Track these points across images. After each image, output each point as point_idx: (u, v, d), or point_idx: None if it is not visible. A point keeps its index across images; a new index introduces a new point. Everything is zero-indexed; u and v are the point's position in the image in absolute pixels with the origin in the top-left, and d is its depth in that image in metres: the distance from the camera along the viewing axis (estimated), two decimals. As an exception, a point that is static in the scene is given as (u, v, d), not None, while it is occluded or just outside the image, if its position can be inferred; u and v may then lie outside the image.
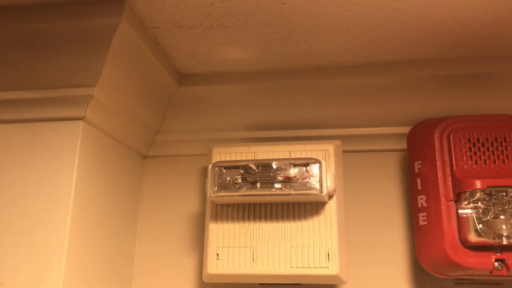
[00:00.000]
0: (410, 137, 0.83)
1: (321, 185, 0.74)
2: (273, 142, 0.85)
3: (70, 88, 0.76)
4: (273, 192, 0.75)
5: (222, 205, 0.83)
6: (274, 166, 0.76)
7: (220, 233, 0.81)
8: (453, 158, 0.75)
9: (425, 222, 0.76)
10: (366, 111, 0.90)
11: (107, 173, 0.85)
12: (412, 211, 0.80)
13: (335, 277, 0.76)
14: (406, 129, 0.86)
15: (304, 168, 0.75)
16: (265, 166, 0.76)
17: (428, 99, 0.88)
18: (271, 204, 0.81)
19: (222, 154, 0.85)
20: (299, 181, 0.75)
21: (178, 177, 0.97)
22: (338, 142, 0.83)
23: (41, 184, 0.74)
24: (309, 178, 0.74)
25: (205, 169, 0.97)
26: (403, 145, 0.90)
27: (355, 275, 0.85)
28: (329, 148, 0.82)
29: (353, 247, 0.87)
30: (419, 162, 0.79)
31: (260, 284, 0.86)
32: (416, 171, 0.79)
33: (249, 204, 0.82)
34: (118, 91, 0.82)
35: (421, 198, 0.78)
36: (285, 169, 0.75)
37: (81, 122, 0.77)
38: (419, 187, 0.78)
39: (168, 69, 0.90)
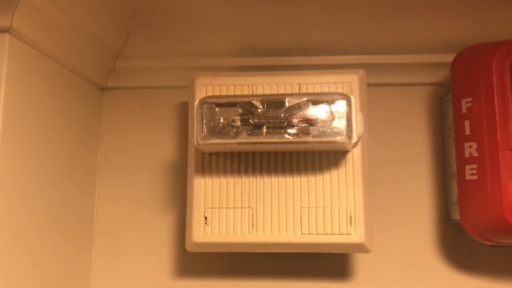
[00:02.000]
0: (456, 66, 0.64)
1: (350, 130, 0.55)
2: (277, 72, 0.64)
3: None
4: (285, 140, 0.55)
5: (211, 153, 0.62)
6: (287, 104, 0.55)
7: (209, 190, 0.62)
8: (519, 95, 0.57)
9: (475, 177, 0.60)
10: (395, 32, 0.69)
11: (49, 111, 0.62)
12: (455, 162, 0.63)
13: (359, 245, 0.60)
14: (447, 57, 0.67)
15: (328, 107, 0.55)
16: (274, 103, 0.56)
17: (480, 16, 0.68)
18: (276, 152, 0.62)
19: (209, 87, 0.64)
20: (319, 125, 0.55)
21: (147, 115, 0.75)
22: (363, 72, 0.63)
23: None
24: (334, 121, 0.55)
25: (183, 106, 0.75)
26: (434, 77, 0.72)
27: (376, 239, 0.70)
28: (353, 80, 0.62)
29: (373, 205, 0.70)
30: (469, 99, 0.61)
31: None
32: (464, 111, 0.62)
33: (247, 153, 0.62)
34: (61, -7, 0.57)
35: (470, 146, 0.60)
36: (302, 108, 0.55)
37: (7, 36, 0.52)
38: (468, 132, 0.61)
39: (131, -34, 0.65)
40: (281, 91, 0.63)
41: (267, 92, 0.63)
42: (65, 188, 0.65)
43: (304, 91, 0.62)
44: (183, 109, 0.75)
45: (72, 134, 0.67)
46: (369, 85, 0.66)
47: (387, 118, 0.72)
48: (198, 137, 0.56)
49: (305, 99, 0.55)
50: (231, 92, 0.63)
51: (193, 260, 0.71)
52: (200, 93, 0.63)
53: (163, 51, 0.73)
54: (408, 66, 0.71)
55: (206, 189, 0.62)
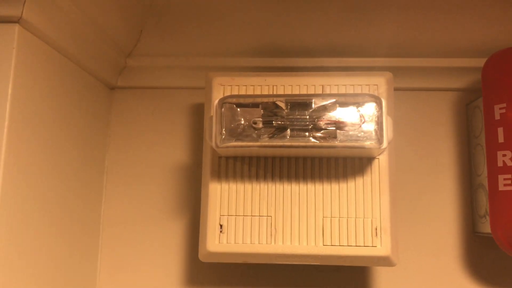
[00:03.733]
0: (489, 70, 0.61)
1: (380, 135, 0.51)
2: (300, 72, 0.61)
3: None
4: (311, 144, 0.51)
5: (228, 157, 0.59)
6: (313, 105, 0.52)
7: (225, 196, 0.58)
8: (558, 101, 0.54)
9: (510, 187, 0.56)
10: (423, 35, 0.66)
11: (57, 108, 0.58)
12: (486, 172, 0.60)
13: (385, 258, 0.56)
14: (474, 62, 0.64)
15: (357, 110, 0.52)
16: (299, 104, 0.52)
17: (507, 22, 0.65)
18: (297, 157, 0.58)
19: (227, 87, 0.60)
20: (347, 128, 0.51)
21: (158, 116, 0.72)
22: (390, 75, 0.60)
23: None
24: (363, 124, 0.51)
25: (197, 107, 0.72)
26: (464, 83, 0.68)
27: (400, 251, 0.66)
28: (380, 82, 0.59)
29: (398, 215, 0.67)
30: (503, 105, 0.58)
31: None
32: (498, 117, 0.58)
33: (266, 158, 0.59)
34: (75, -16, 0.54)
35: (504, 155, 0.57)
36: (329, 110, 0.52)
37: (16, 26, 0.49)
38: (501, 140, 0.57)
39: (148, -41, 0.62)
40: (304, 92, 0.59)
41: (289, 93, 0.59)
42: (70, 192, 0.61)
43: (328, 92, 0.59)
44: (197, 111, 0.71)
45: (79, 134, 0.63)
46: (394, 89, 0.63)
47: (412, 124, 0.69)
48: (217, 139, 0.53)
49: (333, 100, 0.52)
50: (250, 93, 0.60)
51: (204, 270, 0.68)
52: (218, 93, 0.60)
53: (177, 50, 0.70)
54: (434, 70, 0.67)
55: (222, 195, 0.58)
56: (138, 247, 0.68)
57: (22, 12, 0.48)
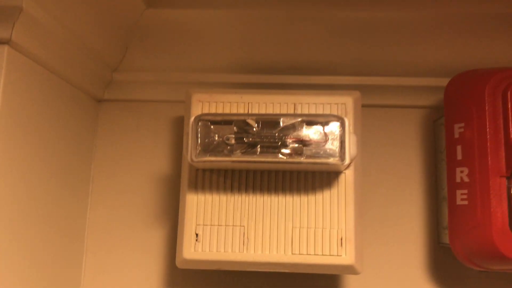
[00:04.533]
0: (450, 91, 0.65)
1: (343, 152, 0.55)
2: (273, 91, 0.65)
3: (-14, -4, 0.51)
4: (278, 160, 0.55)
5: (205, 170, 0.63)
6: (281, 124, 0.56)
7: (201, 207, 0.62)
8: (510, 122, 0.58)
9: (466, 202, 0.60)
10: (390, 54, 0.70)
11: (46, 122, 0.62)
12: (446, 186, 0.64)
13: (349, 267, 0.60)
14: (441, 81, 0.68)
15: (322, 128, 0.55)
16: (268, 123, 0.56)
17: (474, 43, 0.69)
18: (270, 171, 0.62)
19: (205, 103, 0.64)
20: (313, 145, 0.55)
21: (143, 128, 0.75)
22: (357, 94, 0.64)
23: None
24: (327, 142, 0.55)
25: (178, 120, 0.76)
26: (428, 101, 0.72)
27: (366, 260, 0.70)
28: (348, 101, 0.63)
29: (364, 226, 0.70)
30: (461, 124, 0.62)
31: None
32: (457, 135, 0.62)
33: (240, 171, 0.62)
34: (61, 7, 0.58)
35: (461, 171, 0.61)
36: (296, 128, 0.56)
37: (5, 47, 0.53)
38: (459, 157, 0.61)
39: (133, -18, 0.66)
40: (277, 110, 0.63)
41: (263, 110, 0.63)
42: (57, 199, 0.65)
43: (299, 110, 0.63)
44: (179, 123, 0.75)
45: (67, 145, 0.67)
46: (363, 105, 0.67)
47: (380, 139, 0.73)
48: (192, 154, 0.57)
49: (299, 119, 0.56)
50: (227, 109, 0.64)
51: (183, 276, 0.71)
52: (196, 109, 0.64)
53: (161, 65, 0.74)
54: (403, 89, 0.71)
55: (198, 205, 0.62)
56: (120, 253, 0.72)
57: (11, 34, 0.52)
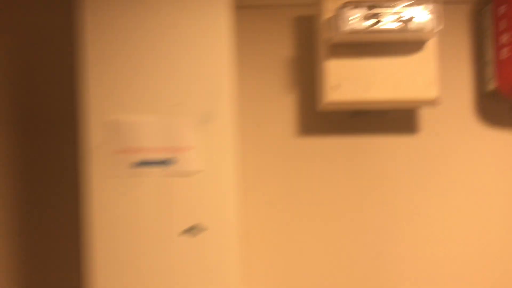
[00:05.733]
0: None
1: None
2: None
3: None
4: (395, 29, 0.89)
5: (336, 45, 0.96)
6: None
7: (339, 66, 0.96)
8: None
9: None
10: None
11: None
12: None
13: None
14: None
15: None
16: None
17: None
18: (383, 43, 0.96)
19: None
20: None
21: (271, 28, 1.08)
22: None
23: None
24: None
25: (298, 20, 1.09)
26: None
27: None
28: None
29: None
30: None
31: (351, 116, 1.06)
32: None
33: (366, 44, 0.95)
34: None
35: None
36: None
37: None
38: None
39: None
40: None
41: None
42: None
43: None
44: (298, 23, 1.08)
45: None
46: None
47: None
48: (334, 28, 0.90)
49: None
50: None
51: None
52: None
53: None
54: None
55: (336, 65, 0.96)
56: (265, 110, 1.08)
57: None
